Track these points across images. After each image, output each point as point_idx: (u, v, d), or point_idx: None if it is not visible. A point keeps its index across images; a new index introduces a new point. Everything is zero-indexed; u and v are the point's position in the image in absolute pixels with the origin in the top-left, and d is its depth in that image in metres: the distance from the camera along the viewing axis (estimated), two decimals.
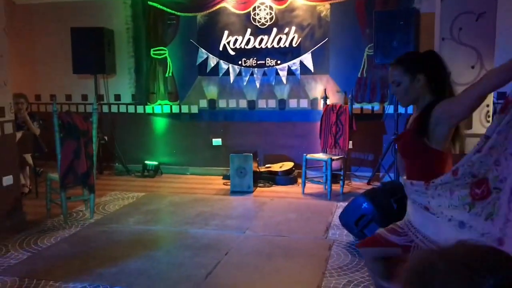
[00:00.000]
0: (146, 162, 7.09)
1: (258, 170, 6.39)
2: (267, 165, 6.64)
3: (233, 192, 6.00)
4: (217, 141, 6.98)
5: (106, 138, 7.10)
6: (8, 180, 4.72)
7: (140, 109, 7.21)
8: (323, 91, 6.47)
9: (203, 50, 6.78)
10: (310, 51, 6.47)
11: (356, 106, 6.29)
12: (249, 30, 6.60)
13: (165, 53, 6.95)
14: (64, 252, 4.09)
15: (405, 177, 2.25)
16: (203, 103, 6.99)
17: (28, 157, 5.89)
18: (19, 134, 5.49)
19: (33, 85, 7.51)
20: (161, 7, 6.81)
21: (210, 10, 6.68)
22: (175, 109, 7.09)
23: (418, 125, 2.16)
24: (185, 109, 7.06)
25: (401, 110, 5.81)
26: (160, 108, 7.13)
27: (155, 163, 7.09)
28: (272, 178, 6.43)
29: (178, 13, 6.81)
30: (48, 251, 4.11)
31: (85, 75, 7.10)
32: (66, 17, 7.15)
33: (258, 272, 3.63)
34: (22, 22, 7.35)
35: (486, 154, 1.81)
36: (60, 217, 4.90)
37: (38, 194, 5.78)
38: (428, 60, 2.22)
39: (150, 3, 6.83)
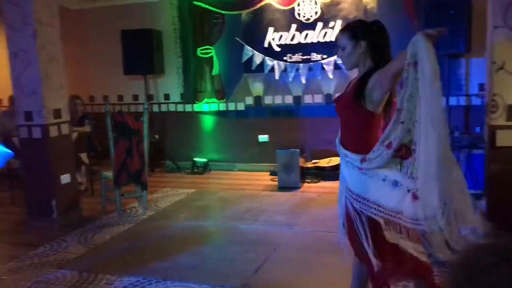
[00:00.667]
0: (195, 159, 7.24)
1: (305, 166, 6.38)
2: (314, 161, 6.61)
3: (281, 188, 6.02)
4: (263, 138, 7.02)
5: (157, 136, 7.31)
6: (65, 178, 4.95)
7: (188, 107, 7.36)
8: None
9: (249, 48, 6.82)
10: None
11: None
12: (294, 26, 6.59)
13: (211, 52, 7.05)
14: (119, 247, 4.26)
15: (339, 142, 2.44)
16: (249, 100, 7.05)
17: (84, 157, 6.15)
18: (75, 135, 5.74)
19: (86, 87, 7.83)
20: (206, 6, 6.91)
21: (254, 7, 6.71)
22: (222, 107, 7.19)
23: (356, 89, 2.31)
24: (231, 106, 7.14)
25: (452, 102, 5.63)
26: (207, 106, 7.25)
27: (204, 160, 7.23)
28: (320, 174, 6.39)
29: (224, 12, 6.89)
30: (104, 246, 4.29)
31: (136, 76, 7.32)
32: (116, 20, 7.40)
33: (306, 268, 3.64)
34: (75, 26, 7.66)
35: (402, 123, 2.12)
36: (115, 214, 5.10)
37: (93, 192, 6.04)
38: (372, 29, 2.36)
39: (195, 3, 6.94)
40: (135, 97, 7.70)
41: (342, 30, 2.43)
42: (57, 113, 4.84)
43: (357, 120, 2.36)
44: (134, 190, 5.33)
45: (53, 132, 4.80)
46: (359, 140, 2.35)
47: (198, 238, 4.40)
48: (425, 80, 2.01)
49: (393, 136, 2.16)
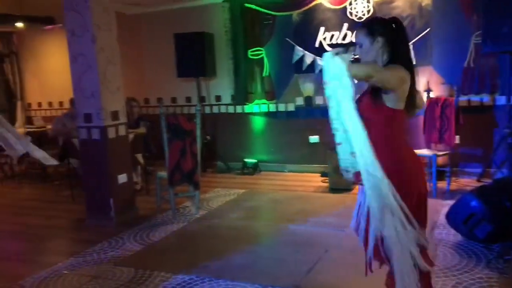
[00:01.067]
0: (245, 160, 7.30)
1: None
2: None
3: (332, 190, 5.95)
4: (314, 139, 6.97)
5: (208, 137, 7.43)
6: (122, 178, 5.13)
7: (239, 109, 7.43)
8: (425, 83, 6.17)
9: (299, 48, 6.80)
10: (411, 42, 6.19)
11: (463, 98, 5.92)
12: (345, 25, 6.50)
13: (261, 54, 7.09)
14: (173, 245, 4.37)
15: None
16: (300, 101, 7.02)
17: (140, 157, 6.35)
18: (131, 136, 5.93)
19: (142, 89, 8.07)
20: (257, 8, 6.95)
21: (305, 8, 6.68)
22: (272, 107, 7.20)
23: (373, 87, 2.32)
24: (281, 107, 7.14)
25: None
26: (258, 108, 7.29)
27: (254, 160, 7.27)
28: None
29: (274, 13, 6.91)
30: (158, 244, 4.40)
31: (188, 79, 7.47)
32: (170, 23, 7.59)
33: (358, 271, 3.55)
34: (130, 31, 7.92)
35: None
36: (169, 212, 5.22)
37: (148, 191, 6.22)
38: (389, 25, 2.36)
39: (247, 5, 7.00)
40: (188, 99, 7.86)
41: (359, 28, 2.43)
42: (114, 115, 5.02)
43: (379, 117, 2.33)
44: (187, 190, 5.44)
45: (111, 133, 4.99)
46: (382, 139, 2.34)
47: (250, 238, 4.42)
48: (345, 96, 2.17)
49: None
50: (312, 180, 6.56)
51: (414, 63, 2.41)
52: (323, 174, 6.55)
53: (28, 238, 4.88)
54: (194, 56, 6.99)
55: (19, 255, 4.45)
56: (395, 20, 2.40)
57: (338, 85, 2.18)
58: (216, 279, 3.50)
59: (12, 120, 9.21)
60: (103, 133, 4.92)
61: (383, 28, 2.35)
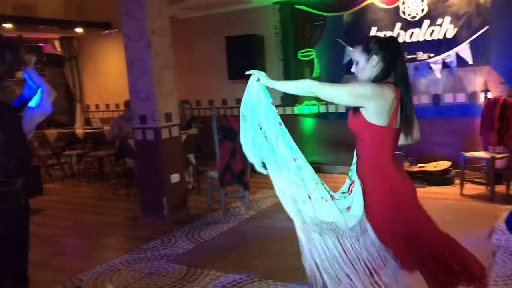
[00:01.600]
0: None
1: (409, 169, 6.12)
2: (420, 165, 6.32)
3: None
4: None
5: None
6: (175, 177, 5.27)
7: (288, 110, 7.44)
8: (483, 83, 5.94)
9: (350, 49, 6.72)
10: (468, 41, 5.98)
11: None
12: (398, 25, 6.37)
13: (312, 55, 7.07)
14: (223, 244, 4.44)
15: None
16: None
17: (191, 157, 6.49)
18: (183, 137, 6.07)
19: (194, 91, 8.25)
20: (308, 9, 6.93)
21: (357, 8, 6.60)
22: (323, 109, 7.16)
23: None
24: (332, 108, 7.08)
25: None
26: (307, 109, 7.27)
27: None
28: (426, 178, 6.09)
29: (325, 14, 6.87)
30: (209, 243, 4.49)
31: (239, 81, 7.55)
32: (221, 27, 7.71)
33: (411, 275, 3.50)
34: (183, 35, 8.11)
35: None
36: (219, 212, 5.31)
37: (200, 191, 6.35)
38: (385, 44, 2.38)
39: (297, 6, 7.00)
40: (238, 101, 7.93)
41: (355, 46, 2.50)
42: (168, 117, 5.17)
43: (364, 134, 2.40)
44: (237, 190, 5.51)
45: (165, 134, 5.13)
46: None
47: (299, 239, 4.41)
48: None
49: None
50: None
51: (410, 82, 2.45)
52: None
53: (86, 234, 5.11)
54: (245, 58, 7.07)
55: (78, 250, 4.67)
56: (393, 39, 2.45)
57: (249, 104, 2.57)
58: (265, 280, 3.53)
59: (72, 121, 9.68)
60: (157, 134, 5.07)
61: (379, 47, 2.38)
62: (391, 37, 2.48)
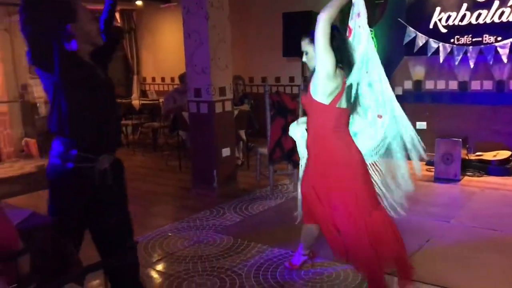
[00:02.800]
0: None
1: (467, 157, 5.89)
2: (478, 153, 6.06)
3: (437, 180, 5.65)
4: (421, 125, 6.63)
5: None
6: (226, 151, 5.33)
7: None
8: None
9: (411, 29, 6.47)
10: None
11: None
12: (464, 5, 6.05)
13: (370, 34, 6.85)
14: (270, 219, 4.47)
15: None
16: (408, 84, 6.72)
17: (242, 133, 6.54)
18: (235, 112, 6.12)
19: (247, 68, 8.25)
20: None
21: None
22: None
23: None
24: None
25: None
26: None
27: None
28: (484, 168, 5.84)
29: None
30: (257, 217, 4.53)
31: (293, 58, 7.47)
32: (278, 3, 7.61)
33: (462, 264, 3.40)
34: (240, 10, 8.09)
35: None
36: (267, 188, 5.34)
37: (249, 167, 6.40)
38: (330, 33, 2.62)
39: None
40: (291, 79, 7.89)
41: (303, 37, 2.84)
42: (222, 91, 5.21)
43: (312, 111, 2.79)
44: (286, 168, 5.51)
45: (218, 108, 5.19)
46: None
47: None
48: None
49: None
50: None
51: (356, 69, 2.70)
52: (428, 163, 6.24)
53: (138, 201, 5.27)
54: (300, 36, 6.94)
55: (132, 215, 4.84)
56: (335, 27, 2.69)
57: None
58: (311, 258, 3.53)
59: (129, 93, 9.97)
60: (210, 108, 5.13)
61: None
62: (334, 25, 2.69)
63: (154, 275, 3.43)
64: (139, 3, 8.79)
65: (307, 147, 2.88)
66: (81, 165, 2.22)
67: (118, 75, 10.61)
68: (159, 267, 3.55)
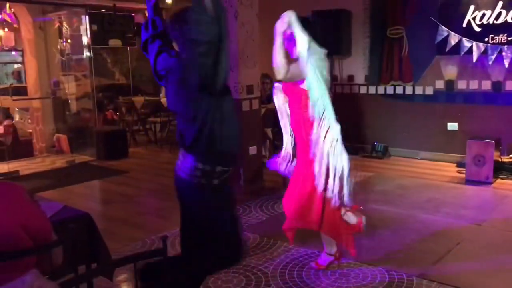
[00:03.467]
0: (375, 143, 7.09)
1: (500, 159, 5.74)
2: (511, 155, 5.90)
3: (468, 182, 5.52)
4: (452, 125, 6.50)
5: (337, 117, 7.31)
6: (253, 150, 5.33)
7: (372, 89, 7.21)
8: None
9: (444, 28, 6.33)
10: None
11: None
12: (500, 3, 5.89)
13: (401, 32, 6.74)
14: None
15: None
16: (440, 84, 6.58)
17: (269, 131, 6.52)
18: (262, 110, 6.11)
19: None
20: None
21: None
22: (408, 90, 6.85)
23: None
24: (419, 90, 6.76)
25: None
26: (392, 89, 6.99)
27: (384, 144, 7.03)
28: None
29: None
30: (283, 216, 4.45)
31: None
32: (307, 1, 7.55)
33: (495, 267, 3.31)
34: (269, 8, 8.06)
35: None
36: None
37: None
38: (305, 23, 3.13)
39: None
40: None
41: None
42: (249, 89, 5.21)
43: None
44: None
45: (245, 106, 5.19)
46: None
47: (376, 222, 4.30)
48: None
49: None
50: (446, 170, 6.16)
51: None
52: (460, 165, 6.11)
53: (166, 196, 5.32)
54: (330, 34, 6.89)
55: (159, 211, 4.91)
56: (308, 18, 3.09)
57: None
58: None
59: (157, 90, 10.06)
60: (238, 106, 5.13)
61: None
62: (306, 17, 3.18)
63: None
64: (168, 1, 8.87)
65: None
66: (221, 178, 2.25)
67: (146, 73, 10.76)
68: None
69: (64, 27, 8.16)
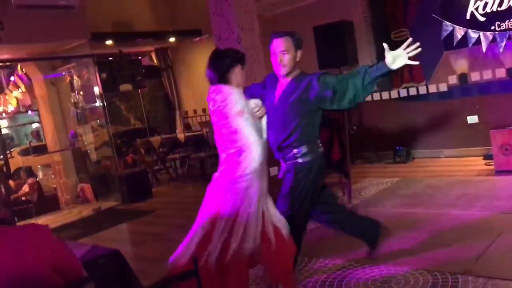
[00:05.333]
0: (396, 147, 6.98)
1: None
2: None
3: (498, 172, 5.37)
4: (472, 119, 6.37)
5: (355, 127, 7.27)
6: (273, 170, 5.26)
7: (385, 95, 7.15)
8: None
9: (447, 23, 6.29)
10: None
11: None
12: None
13: (406, 34, 6.71)
14: (329, 232, 4.32)
15: None
16: (453, 79, 6.49)
17: None
18: None
19: None
20: None
21: None
22: (422, 90, 6.78)
23: None
24: (432, 88, 6.69)
25: None
26: (406, 91, 6.92)
27: (406, 148, 6.92)
28: None
29: None
30: (315, 231, 4.41)
31: (330, 69, 7.41)
32: (307, 17, 7.60)
33: None
34: (270, 32, 8.14)
35: None
36: None
37: None
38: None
39: None
40: None
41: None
42: None
43: None
44: (337, 180, 5.39)
45: None
46: None
47: (409, 224, 4.20)
48: None
49: None
50: (473, 164, 6.01)
51: None
52: (487, 157, 5.95)
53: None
54: (334, 46, 6.90)
55: None
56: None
57: None
58: (376, 266, 3.39)
59: (172, 128, 10.19)
60: None
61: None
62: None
63: None
64: (172, 39, 9.04)
65: None
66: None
67: (161, 112, 10.90)
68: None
69: (75, 80, 8.35)
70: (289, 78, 3.11)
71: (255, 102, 2.95)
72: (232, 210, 2.71)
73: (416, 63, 2.79)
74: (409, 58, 2.72)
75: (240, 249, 2.69)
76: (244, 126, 2.70)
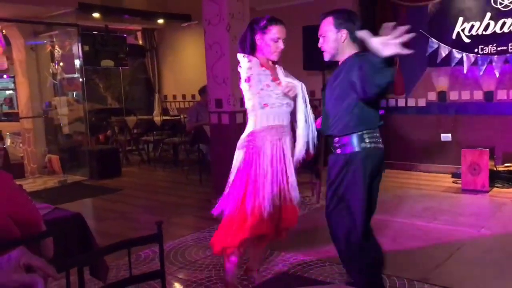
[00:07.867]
0: None
1: (495, 168, 5.72)
2: (506, 164, 5.89)
3: (465, 191, 5.50)
4: (446, 136, 6.51)
5: None
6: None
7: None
8: None
9: (434, 40, 6.40)
10: None
11: None
12: (488, 14, 5.98)
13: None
14: (293, 229, 4.36)
15: None
16: (432, 96, 6.61)
17: None
18: None
19: None
20: None
21: None
22: (401, 102, 6.88)
23: None
24: (411, 102, 6.79)
25: None
26: (385, 102, 7.01)
27: None
28: None
29: (408, 4, 6.60)
30: None
31: (314, 72, 7.45)
32: (298, 18, 7.63)
33: (496, 271, 3.25)
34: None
35: None
36: None
37: None
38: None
39: None
40: (312, 93, 7.84)
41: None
42: (242, 102, 5.17)
43: None
44: (307, 180, 5.43)
45: (239, 119, 5.17)
46: None
47: (374, 230, 4.24)
48: None
49: None
50: (442, 180, 6.13)
51: None
52: (455, 175, 6.08)
53: (160, 212, 5.26)
54: (320, 49, 6.93)
55: (152, 226, 4.79)
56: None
57: None
58: (337, 264, 3.42)
59: (150, 110, 10.07)
60: (232, 118, 5.11)
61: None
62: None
63: (175, 282, 3.36)
64: (160, 21, 8.94)
65: None
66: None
67: (140, 94, 10.75)
68: (181, 275, 3.48)
69: (56, 50, 8.16)
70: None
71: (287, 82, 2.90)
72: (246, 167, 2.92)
73: (410, 51, 2.21)
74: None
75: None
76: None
